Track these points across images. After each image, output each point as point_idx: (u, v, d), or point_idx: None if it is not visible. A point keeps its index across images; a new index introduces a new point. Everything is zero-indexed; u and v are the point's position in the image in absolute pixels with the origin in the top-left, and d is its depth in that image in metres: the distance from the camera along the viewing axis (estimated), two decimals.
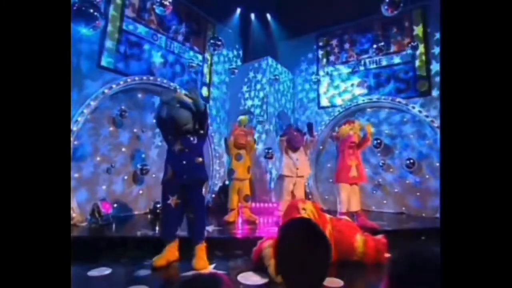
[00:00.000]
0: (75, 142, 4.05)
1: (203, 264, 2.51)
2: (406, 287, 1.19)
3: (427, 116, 5.13)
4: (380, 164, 5.65)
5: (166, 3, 3.42)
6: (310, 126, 4.44)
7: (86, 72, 4.29)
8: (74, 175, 4.06)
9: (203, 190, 2.90)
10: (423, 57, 5.51)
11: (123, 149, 4.76)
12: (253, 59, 6.52)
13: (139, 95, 5.02)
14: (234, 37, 6.95)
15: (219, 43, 4.59)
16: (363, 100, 5.97)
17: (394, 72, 5.84)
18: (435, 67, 5.39)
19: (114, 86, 4.43)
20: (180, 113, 2.63)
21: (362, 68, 6.25)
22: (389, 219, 4.72)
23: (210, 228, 3.57)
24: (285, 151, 4.28)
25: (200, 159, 2.73)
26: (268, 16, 6.66)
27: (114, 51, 4.64)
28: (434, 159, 5.12)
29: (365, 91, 6.13)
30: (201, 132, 2.76)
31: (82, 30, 2.84)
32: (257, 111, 6.14)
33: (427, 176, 5.19)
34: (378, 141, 5.54)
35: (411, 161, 5.28)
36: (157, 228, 3.68)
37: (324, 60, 6.75)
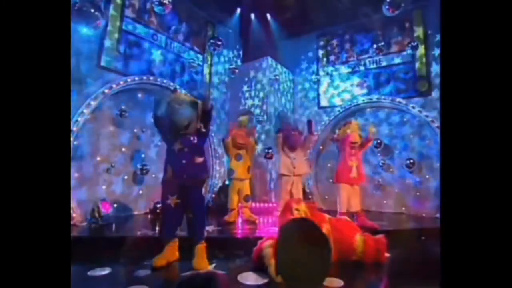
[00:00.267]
0: (75, 142, 4.06)
1: (203, 264, 2.51)
2: (405, 286, 1.19)
3: (427, 116, 5.13)
4: (380, 164, 5.64)
5: (166, 2, 3.42)
6: (309, 123, 4.44)
7: (86, 72, 4.29)
8: (74, 175, 4.06)
9: (203, 190, 2.89)
10: (423, 58, 5.51)
11: (123, 149, 4.76)
12: (253, 59, 6.52)
13: (139, 95, 5.02)
14: (234, 37, 6.94)
15: (219, 43, 4.59)
16: (363, 100, 5.97)
17: (394, 72, 5.84)
18: (435, 67, 5.40)
19: (114, 86, 4.43)
20: (184, 112, 2.62)
21: (362, 68, 6.25)
22: (389, 219, 4.72)
23: (210, 228, 3.56)
24: (283, 150, 4.27)
25: (200, 159, 2.73)
26: (268, 16, 6.66)
27: (114, 51, 4.64)
28: (434, 159, 5.12)
29: (365, 91, 6.13)
30: (203, 131, 2.75)
31: (82, 30, 2.84)
32: (257, 111, 6.14)
33: (427, 176, 5.20)
34: (378, 141, 5.54)
35: (411, 161, 5.28)
36: (157, 228, 3.68)
37: (324, 60, 6.74)
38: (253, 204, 5.02)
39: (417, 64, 5.57)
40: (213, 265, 2.58)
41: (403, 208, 5.35)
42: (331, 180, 5.37)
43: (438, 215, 4.48)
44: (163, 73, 5.40)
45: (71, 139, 3.88)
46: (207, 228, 3.02)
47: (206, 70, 6.33)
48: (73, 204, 3.83)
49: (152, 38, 5.28)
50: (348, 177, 4.02)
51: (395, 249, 2.83)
